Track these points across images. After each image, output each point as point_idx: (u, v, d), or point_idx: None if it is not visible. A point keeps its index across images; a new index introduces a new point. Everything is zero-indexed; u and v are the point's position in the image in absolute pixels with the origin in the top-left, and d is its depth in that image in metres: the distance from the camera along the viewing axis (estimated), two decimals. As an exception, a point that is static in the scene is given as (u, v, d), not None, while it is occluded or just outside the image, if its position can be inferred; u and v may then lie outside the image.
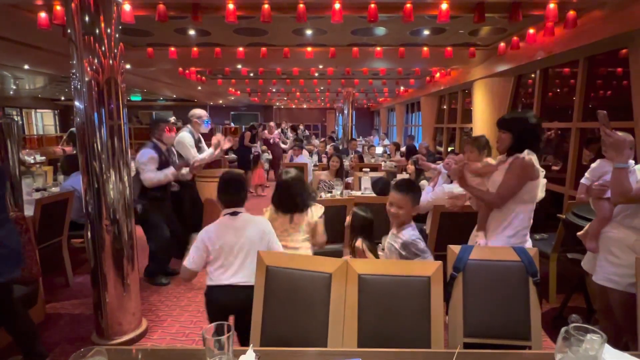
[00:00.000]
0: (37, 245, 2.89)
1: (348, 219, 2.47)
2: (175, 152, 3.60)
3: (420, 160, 3.60)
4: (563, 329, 0.96)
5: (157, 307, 3.07)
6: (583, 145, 4.33)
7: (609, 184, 1.83)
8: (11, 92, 11.53)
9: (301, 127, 14.58)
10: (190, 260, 1.89)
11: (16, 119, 12.60)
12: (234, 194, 2.00)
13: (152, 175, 3.23)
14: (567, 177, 4.38)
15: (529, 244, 2.03)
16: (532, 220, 2.06)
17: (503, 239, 2.01)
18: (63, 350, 2.47)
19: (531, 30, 4.28)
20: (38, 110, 15.09)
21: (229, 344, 0.90)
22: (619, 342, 1.93)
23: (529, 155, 1.94)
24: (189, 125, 3.97)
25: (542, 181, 2.05)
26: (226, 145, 3.92)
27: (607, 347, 1.06)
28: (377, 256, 2.20)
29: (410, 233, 1.87)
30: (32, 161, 5.67)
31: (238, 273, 1.89)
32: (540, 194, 2.08)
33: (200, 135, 4.06)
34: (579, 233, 2.11)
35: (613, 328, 1.96)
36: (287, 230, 2.28)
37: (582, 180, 2.14)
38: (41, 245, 3.05)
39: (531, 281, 1.58)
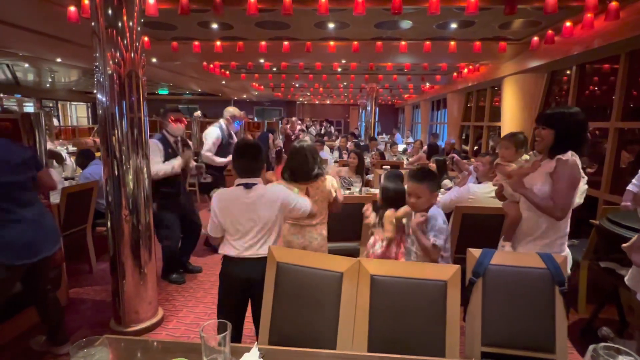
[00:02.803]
0: (62, 232, 3.00)
1: (367, 208, 2.33)
2: (188, 144, 3.45)
3: (456, 159, 3.48)
4: (591, 347, 0.86)
5: (173, 297, 3.12)
6: (621, 147, 4.06)
7: None
8: (47, 85, 12.09)
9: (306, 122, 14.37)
10: (210, 227, 1.91)
11: (49, 110, 13.23)
12: (250, 161, 1.90)
13: (157, 167, 3.01)
14: (603, 180, 4.12)
15: (566, 254, 1.85)
16: (568, 229, 1.88)
17: (536, 250, 1.84)
18: (83, 334, 2.55)
19: (568, 23, 4.03)
20: (72, 103, 15.76)
21: (226, 342, 0.86)
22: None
23: (573, 157, 1.76)
24: (221, 121, 3.96)
25: (583, 187, 1.89)
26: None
27: (643, 369, 0.95)
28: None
29: (435, 210, 1.91)
30: (65, 151, 5.91)
31: (253, 246, 1.85)
32: (578, 200, 1.91)
33: (233, 133, 4.03)
34: (624, 245, 1.89)
35: (651, 346, 1.81)
36: None
37: (629, 187, 1.96)
38: (66, 232, 3.16)
39: (557, 290, 1.47)
